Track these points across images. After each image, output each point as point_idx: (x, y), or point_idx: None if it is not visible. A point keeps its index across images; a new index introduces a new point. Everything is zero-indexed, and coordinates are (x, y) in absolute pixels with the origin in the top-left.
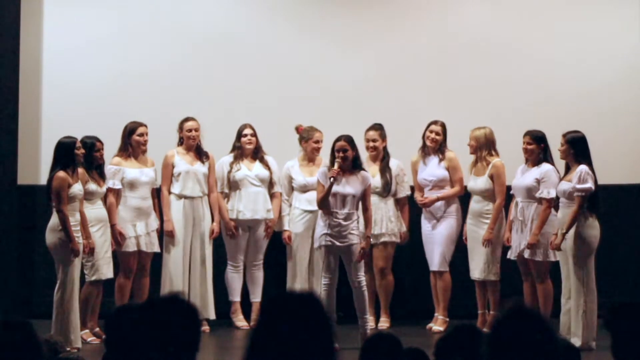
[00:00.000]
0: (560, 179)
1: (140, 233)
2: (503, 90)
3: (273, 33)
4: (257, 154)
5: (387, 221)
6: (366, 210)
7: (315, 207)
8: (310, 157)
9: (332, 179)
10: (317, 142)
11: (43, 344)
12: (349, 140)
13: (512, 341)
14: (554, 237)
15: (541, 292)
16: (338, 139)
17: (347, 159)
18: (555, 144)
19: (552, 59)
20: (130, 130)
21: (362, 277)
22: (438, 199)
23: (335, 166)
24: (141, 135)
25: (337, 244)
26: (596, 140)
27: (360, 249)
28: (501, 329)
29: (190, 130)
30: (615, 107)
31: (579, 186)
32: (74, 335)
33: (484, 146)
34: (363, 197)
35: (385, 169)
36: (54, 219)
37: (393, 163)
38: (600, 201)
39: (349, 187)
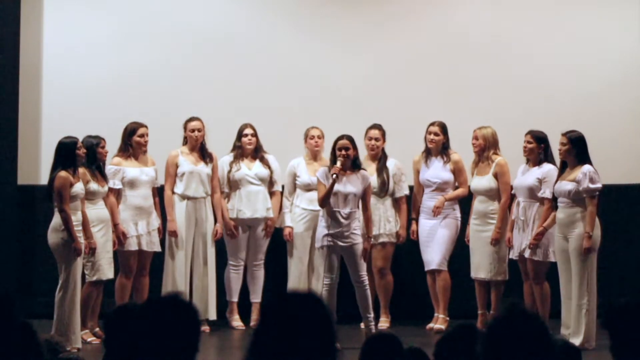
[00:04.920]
0: (556, 179)
1: (142, 232)
2: (503, 90)
3: (273, 33)
4: (257, 153)
5: (384, 221)
6: (366, 209)
7: (316, 206)
8: (312, 154)
9: (334, 176)
10: (312, 137)
11: (43, 344)
12: (351, 139)
13: (507, 341)
14: (586, 241)
15: (538, 293)
16: (340, 138)
17: (349, 158)
18: (555, 144)
19: (552, 59)
20: (130, 131)
21: (365, 276)
22: (446, 200)
23: (338, 164)
24: (142, 136)
25: (340, 244)
26: (596, 140)
27: (363, 249)
28: (497, 329)
29: (193, 130)
30: (615, 107)
31: (592, 186)
32: (74, 335)
33: (492, 145)
34: (363, 197)
35: (382, 169)
36: (56, 219)
37: (390, 163)
38: (602, 201)
39: (350, 185)
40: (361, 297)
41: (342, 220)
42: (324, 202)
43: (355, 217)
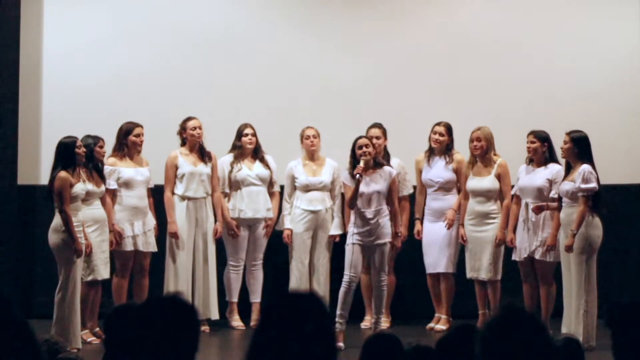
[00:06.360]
0: (562, 179)
1: (138, 232)
2: (503, 90)
3: (273, 33)
4: (257, 153)
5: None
6: (392, 205)
7: (315, 207)
8: (309, 154)
9: (358, 175)
10: (307, 137)
11: (42, 344)
12: (369, 138)
13: (504, 341)
14: (569, 239)
15: (546, 293)
16: (359, 137)
17: (369, 156)
18: (557, 144)
19: (552, 59)
20: (126, 131)
21: (385, 278)
22: (456, 211)
23: (361, 163)
24: (138, 135)
25: (367, 243)
26: (596, 140)
27: (392, 246)
28: (494, 329)
29: (194, 129)
30: (615, 107)
31: (583, 186)
32: (74, 336)
33: (492, 146)
34: (388, 193)
35: None
36: (57, 220)
37: (394, 162)
38: (602, 201)
39: (373, 184)
40: (377, 298)
41: (369, 219)
42: (352, 203)
43: (383, 215)
